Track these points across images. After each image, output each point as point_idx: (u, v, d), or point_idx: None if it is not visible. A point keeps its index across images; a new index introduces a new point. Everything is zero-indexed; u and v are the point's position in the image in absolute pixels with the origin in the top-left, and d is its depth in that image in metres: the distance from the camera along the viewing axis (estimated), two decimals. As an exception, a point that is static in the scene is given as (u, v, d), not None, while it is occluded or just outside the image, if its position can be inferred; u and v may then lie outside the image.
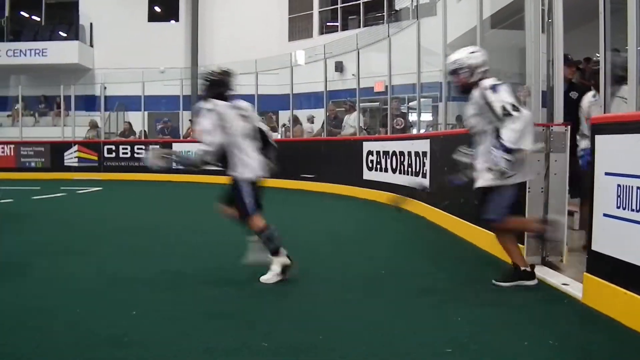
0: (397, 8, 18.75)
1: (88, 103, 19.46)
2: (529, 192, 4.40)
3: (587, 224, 3.58)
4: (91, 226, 7.11)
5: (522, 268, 3.98)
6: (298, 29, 21.66)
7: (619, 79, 4.09)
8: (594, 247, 3.42)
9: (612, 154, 3.29)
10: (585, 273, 3.53)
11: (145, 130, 17.28)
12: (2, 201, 9.18)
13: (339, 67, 17.19)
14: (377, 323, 3.24)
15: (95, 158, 16.07)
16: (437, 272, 4.57)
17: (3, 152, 16.40)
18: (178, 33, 21.76)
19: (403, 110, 12.65)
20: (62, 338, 2.96)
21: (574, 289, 3.75)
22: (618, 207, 3.16)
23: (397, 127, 10.69)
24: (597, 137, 3.42)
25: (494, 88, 3.83)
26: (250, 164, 4.18)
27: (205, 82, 4.31)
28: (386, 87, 11.73)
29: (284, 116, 16.73)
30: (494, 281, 4.02)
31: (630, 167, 3.08)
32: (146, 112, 17.15)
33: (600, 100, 4.51)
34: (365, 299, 3.77)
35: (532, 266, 4.04)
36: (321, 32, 21.06)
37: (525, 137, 3.73)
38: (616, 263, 3.18)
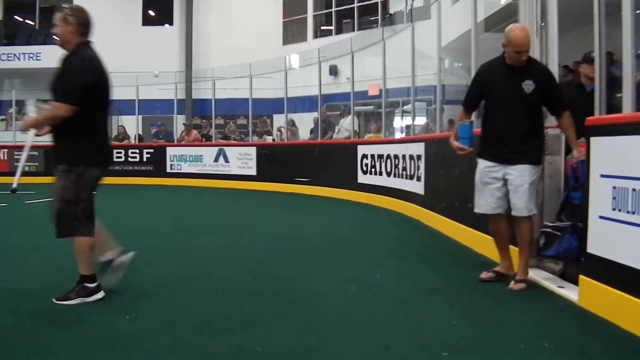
0: (391, 11, 18.85)
1: (82, 107, 19.38)
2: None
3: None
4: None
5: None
6: (292, 32, 21.72)
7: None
8: (589, 250, 3.43)
9: (608, 155, 3.30)
10: (580, 275, 3.54)
11: (139, 134, 17.24)
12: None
13: (334, 70, 17.23)
14: (373, 327, 3.22)
15: (89, 162, 15.93)
16: (433, 276, 4.56)
17: (-4, 156, 16.28)
18: (172, 37, 21.77)
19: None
20: (57, 341, 2.94)
21: (570, 291, 3.75)
22: (614, 209, 3.17)
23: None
24: (592, 139, 3.42)
25: None
26: None
27: None
28: (380, 90, 11.74)
29: (278, 120, 16.74)
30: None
31: (626, 169, 3.08)
32: (140, 116, 17.13)
33: None
34: (361, 302, 3.76)
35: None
36: (315, 36, 21.12)
37: None
38: (612, 265, 3.19)
